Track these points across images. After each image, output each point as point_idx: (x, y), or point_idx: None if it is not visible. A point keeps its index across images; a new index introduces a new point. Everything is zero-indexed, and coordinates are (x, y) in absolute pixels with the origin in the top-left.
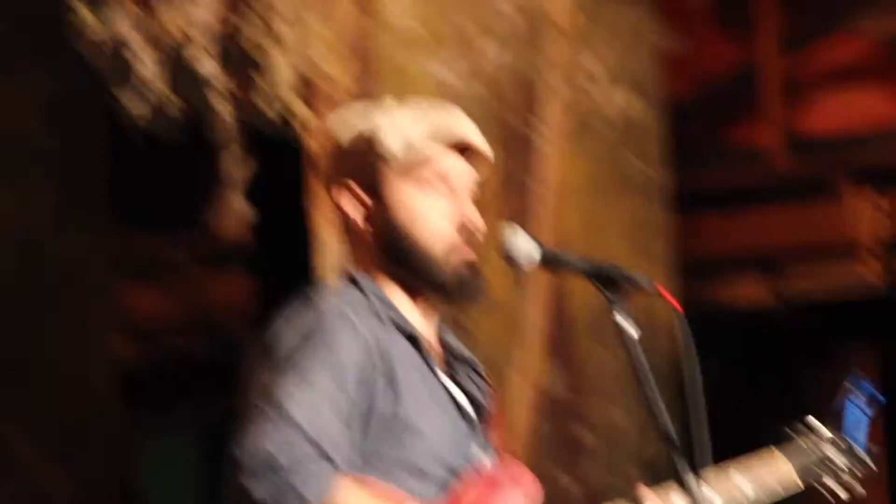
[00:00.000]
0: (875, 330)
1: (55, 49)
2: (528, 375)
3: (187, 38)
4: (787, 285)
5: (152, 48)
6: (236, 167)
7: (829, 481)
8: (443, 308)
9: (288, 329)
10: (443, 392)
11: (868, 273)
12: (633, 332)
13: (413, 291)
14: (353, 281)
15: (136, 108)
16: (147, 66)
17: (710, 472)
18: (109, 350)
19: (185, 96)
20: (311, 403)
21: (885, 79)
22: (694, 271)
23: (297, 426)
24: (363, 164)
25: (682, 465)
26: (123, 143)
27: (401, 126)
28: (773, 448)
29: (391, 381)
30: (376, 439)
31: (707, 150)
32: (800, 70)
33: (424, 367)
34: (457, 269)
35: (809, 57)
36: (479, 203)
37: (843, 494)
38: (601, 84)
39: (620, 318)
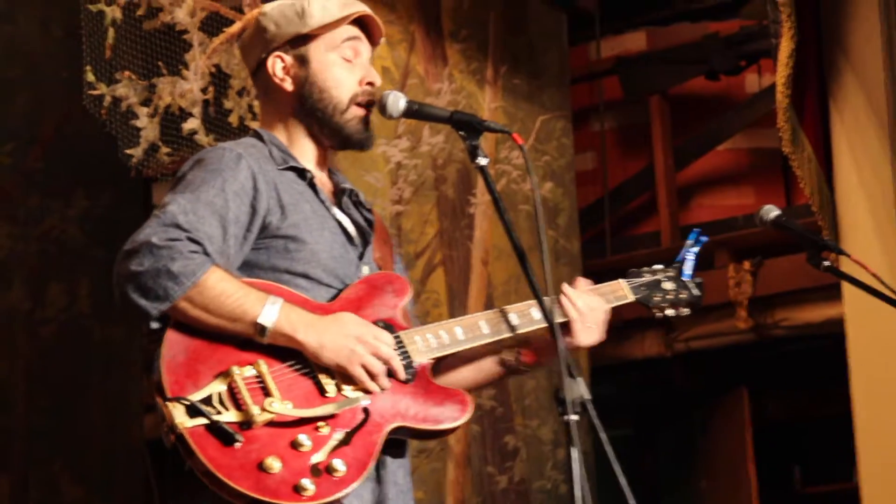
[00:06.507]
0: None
1: (97, 176)
2: None
3: (175, 102)
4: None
5: (147, 107)
6: None
7: (660, 302)
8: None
9: (189, 162)
10: (333, 221)
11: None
12: (484, 161)
13: (317, 139)
14: (255, 134)
15: (131, 150)
16: (141, 119)
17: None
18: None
19: (173, 145)
20: (190, 205)
21: (746, 179)
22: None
23: (175, 221)
24: (294, 38)
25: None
26: None
27: (322, 3)
28: (621, 279)
29: (279, 204)
30: (270, 252)
31: (613, 236)
32: (684, 177)
33: (315, 199)
34: (355, 120)
35: (693, 167)
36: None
37: (670, 312)
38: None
39: (481, 159)
